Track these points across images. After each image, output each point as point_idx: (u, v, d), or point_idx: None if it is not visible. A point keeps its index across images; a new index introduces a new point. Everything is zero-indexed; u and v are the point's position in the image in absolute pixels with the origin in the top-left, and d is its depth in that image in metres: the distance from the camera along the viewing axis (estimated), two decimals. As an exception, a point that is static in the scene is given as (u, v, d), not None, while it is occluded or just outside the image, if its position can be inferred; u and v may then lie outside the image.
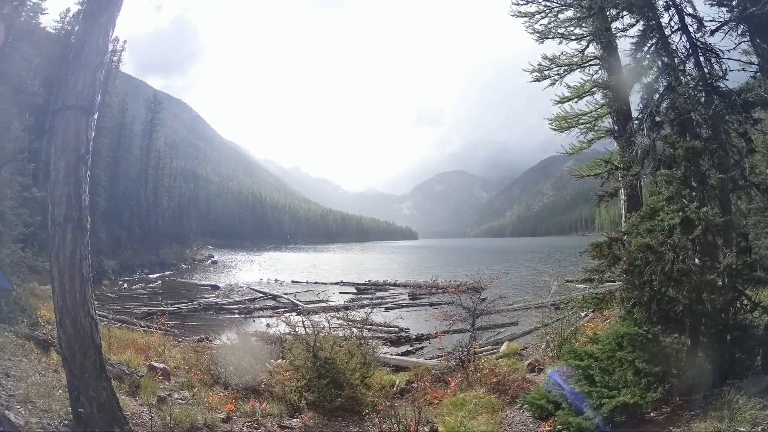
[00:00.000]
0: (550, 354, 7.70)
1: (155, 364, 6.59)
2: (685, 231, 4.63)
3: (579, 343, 6.58)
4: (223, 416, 5.21)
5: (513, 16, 10.16)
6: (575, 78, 11.56)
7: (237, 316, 17.69)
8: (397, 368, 9.45)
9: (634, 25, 6.13)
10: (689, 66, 5.46)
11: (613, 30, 8.10)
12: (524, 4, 10.02)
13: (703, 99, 5.30)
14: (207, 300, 21.93)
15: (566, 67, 10.20)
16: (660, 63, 5.49)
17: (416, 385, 7.34)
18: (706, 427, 4.03)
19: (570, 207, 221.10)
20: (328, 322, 8.04)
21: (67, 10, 27.66)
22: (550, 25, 9.96)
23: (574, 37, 9.88)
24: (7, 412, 3.90)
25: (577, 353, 5.28)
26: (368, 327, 10.31)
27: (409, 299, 22.32)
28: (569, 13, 9.68)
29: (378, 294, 24.59)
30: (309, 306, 17.44)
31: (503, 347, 9.85)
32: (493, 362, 7.84)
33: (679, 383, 4.68)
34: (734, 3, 5.98)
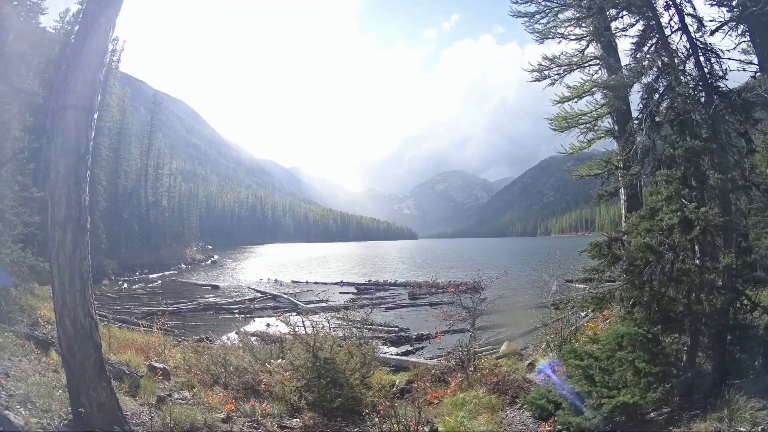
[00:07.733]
0: (550, 354, 7.70)
1: (155, 364, 6.57)
2: (683, 231, 4.63)
3: (579, 343, 6.58)
4: (222, 416, 5.20)
5: (513, 16, 10.16)
6: (575, 78, 11.55)
7: (237, 316, 17.72)
8: (397, 368, 9.45)
9: (634, 25, 6.12)
10: (689, 66, 5.45)
11: (613, 30, 8.09)
12: (524, 4, 10.02)
13: (703, 99, 5.30)
14: (207, 300, 21.95)
15: (566, 67, 10.18)
16: (660, 63, 5.48)
17: (416, 385, 7.34)
18: (706, 427, 4.02)
19: (570, 207, 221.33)
20: (328, 322, 8.04)
21: (67, 10, 27.62)
22: (550, 25, 9.94)
23: (574, 37, 9.86)
24: (7, 412, 3.90)
25: (577, 353, 5.28)
26: (368, 327, 10.31)
27: (409, 299, 22.34)
28: (569, 13, 9.66)
29: (378, 294, 24.60)
30: (309, 306, 17.46)
31: (503, 347, 9.85)
32: (493, 362, 7.83)
33: (679, 383, 4.68)
34: (734, 3, 5.97)
